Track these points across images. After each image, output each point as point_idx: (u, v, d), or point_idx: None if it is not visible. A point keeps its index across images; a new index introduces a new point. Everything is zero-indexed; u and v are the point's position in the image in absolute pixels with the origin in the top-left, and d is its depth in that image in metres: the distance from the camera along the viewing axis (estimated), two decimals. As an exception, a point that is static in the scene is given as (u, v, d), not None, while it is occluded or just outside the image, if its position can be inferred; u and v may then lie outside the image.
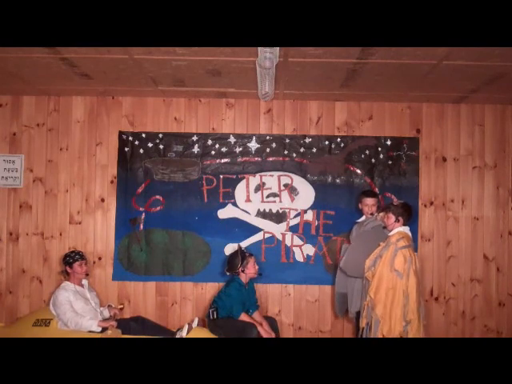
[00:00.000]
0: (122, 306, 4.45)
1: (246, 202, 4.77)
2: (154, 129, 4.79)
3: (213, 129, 4.80)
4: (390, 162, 4.75)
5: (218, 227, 4.73)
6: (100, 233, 4.77)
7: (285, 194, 4.77)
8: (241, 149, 4.79)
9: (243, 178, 4.78)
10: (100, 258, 4.75)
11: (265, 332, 4.05)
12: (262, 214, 4.77)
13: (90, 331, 3.89)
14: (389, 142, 4.76)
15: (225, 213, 4.76)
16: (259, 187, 4.78)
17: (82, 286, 4.19)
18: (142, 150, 4.77)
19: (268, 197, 4.78)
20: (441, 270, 4.74)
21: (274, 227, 4.77)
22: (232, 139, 4.79)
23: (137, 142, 4.77)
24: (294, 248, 4.75)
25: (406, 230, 3.77)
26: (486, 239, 4.74)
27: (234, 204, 4.76)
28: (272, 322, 4.34)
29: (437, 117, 4.78)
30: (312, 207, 4.76)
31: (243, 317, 4.11)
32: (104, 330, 3.88)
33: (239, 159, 4.79)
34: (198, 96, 4.73)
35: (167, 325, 4.60)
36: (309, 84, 4.20)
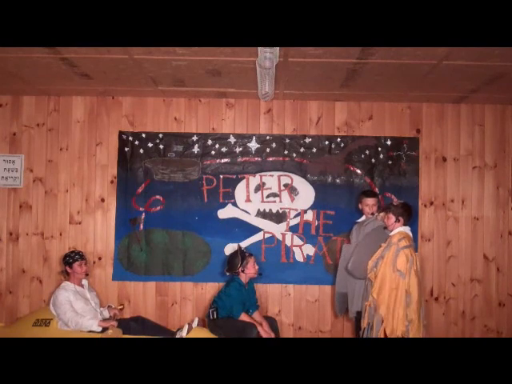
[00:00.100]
0: (121, 307, 4.45)
1: (246, 202, 4.77)
2: (154, 129, 4.79)
3: (213, 129, 4.81)
4: (390, 162, 4.75)
5: (217, 227, 4.73)
6: (100, 233, 4.77)
7: (285, 194, 4.77)
8: (241, 149, 4.79)
9: (243, 177, 4.78)
10: (100, 258, 4.75)
11: (264, 332, 4.05)
12: (262, 214, 4.77)
13: (91, 331, 3.89)
14: (389, 142, 4.76)
15: (225, 213, 4.76)
16: (259, 187, 4.78)
17: (82, 286, 4.19)
18: (141, 150, 4.77)
19: (268, 197, 4.78)
20: (441, 270, 4.74)
21: (274, 227, 4.77)
22: (232, 139, 4.79)
23: (137, 142, 4.77)
24: (293, 248, 4.75)
25: (407, 230, 3.77)
26: (485, 239, 4.74)
27: (234, 204, 4.76)
28: (272, 322, 4.34)
29: (437, 117, 4.78)
30: (312, 207, 4.76)
31: (243, 317, 4.10)
32: (104, 329, 3.89)
33: (239, 159, 4.79)
34: (198, 96, 4.73)
35: (167, 325, 4.60)
36: (309, 84, 4.20)
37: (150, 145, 4.77)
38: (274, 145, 4.78)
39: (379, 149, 4.75)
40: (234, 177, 4.78)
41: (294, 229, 4.76)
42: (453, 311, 4.73)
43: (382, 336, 3.54)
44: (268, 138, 4.78)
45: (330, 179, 4.76)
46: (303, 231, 4.76)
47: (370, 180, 4.75)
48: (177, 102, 4.80)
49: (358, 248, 3.95)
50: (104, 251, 4.76)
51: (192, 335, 3.80)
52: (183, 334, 3.80)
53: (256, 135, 4.79)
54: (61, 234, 4.75)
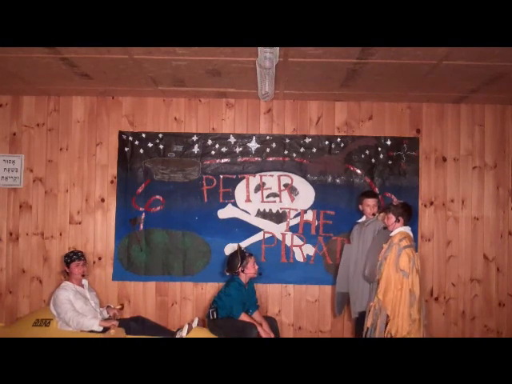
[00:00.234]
0: (120, 307, 4.45)
1: (246, 202, 4.77)
2: (154, 129, 4.79)
3: (213, 129, 4.80)
4: (389, 162, 4.75)
5: (218, 227, 4.73)
6: (100, 233, 4.77)
7: (285, 194, 4.77)
8: (241, 149, 4.79)
9: (243, 177, 4.78)
10: (100, 258, 4.75)
11: (264, 332, 4.05)
12: (262, 214, 4.77)
13: (92, 331, 3.89)
14: (389, 142, 4.75)
15: (225, 213, 4.76)
16: (259, 187, 4.78)
17: (82, 285, 4.20)
18: (142, 150, 4.77)
19: (268, 197, 4.78)
20: (441, 270, 4.74)
21: (274, 227, 4.77)
22: (232, 139, 4.79)
23: (137, 142, 4.77)
24: (294, 248, 4.75)
25: (407, 229, 3.78)
26: (486, 239, 4.74)
27: (234, 204, 4.76)
28: (272, 322, 4.34)
29: (437, 117, 4.78)
30: (312, 207, 4.75)
31: (243, 317, 4.10)
32: (105, 329, 3.89)
33: (239, 159, 4.79)
34: (198, 96, 4.73)
35: (167, 325, 4.60)
36: (309, 84, 4.20)
37: (150, 145, 4.77)
38: (273, 145, 4.78)
39: (379, 149, 4.75)
40: (234, 177, 4.78)
41: (293, 229, 4.76)
42: (453, 311, 4.73)
43: (388, 336, 3.54)
44: (268, 137, 4.78)
45: (330, 179, 4.76)
46: (303, 231, 4.76)
47: (370, 180, 4.75)
48: (177, 102, 4.80)
49: (370, 253, 3.93)
50: (104, 251, 4.76)
51: (192, 335, 3.80)
52: (183, 334, 3.80)
53: (256, 135, 4.79)
54: (61, 234, 4.75)
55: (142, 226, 4.75)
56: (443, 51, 3.25)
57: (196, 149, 4.78)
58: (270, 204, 4.77)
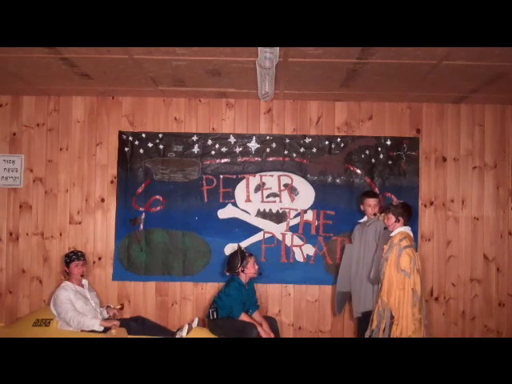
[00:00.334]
0: (120, 307, 4.44)
1: (246, 202, 4.77)
2: (154, 129, 4.79)
3: (213, 129, 4.80)
4: (390, 162, 4.74)
5: (218, 227, 4.72)
6: (100, 233, 4.77)
7: (285, 194, 4.77)
8: (241, 149, 4.79)
9: (243, 177, 4.78)
10: (100, 258, 4.75)
11: (264, 333, 4.05)
12: (262, 214, 4.77)
13: (93, 330, 3.89)
14: (389, 142, 4.75)
15: (225, 213, 4.76)
16: (259, 187, 4.78)
17: (82, 285, 4.20)
18: (142, 150, 4.77)
19: (268, 197, 4.78)
20: (441, 270, 4.74)
21: (274, 227, 4.77)
22: (232, 139, 4.79)
23: (137, 142, 4.77)
24: (294, 248, 4.75)
25: (408, 229, 3.78)
26: (485, 239, 4.74)
27: (234, 204, 4.76)
28: (272, 322, 4.34)
29: (437, 117, 4.78)
30: (312, 207, 4.75)
31: (243, 317, 4.10)
32: (106, 329, 3.89)
33: (239, 159, 4.79)
34: (198, 96, 4.73)
35: (167, 325, 4.60)
36: (309, 84, 4.20)
37: (150, 145, 4.77)
38: (274, 145, 4.78)
39: (379, 149, 4.75)
40: (234, 177, 4.78)
41: (293, 229, 4.76)
42: (453, 311, 4.73)
43: (394, 337, 3.54)
44: (268, 137, 4.78)
45: (330, 179, 4.76)
46: (303, 231, 4.75)
47: (370, 180, 4.75)
48: (177, 102, 4.80)
49: (376, 256, 3.93)
50: (104, 251, 4.76)
51: (192, 335, 3.80)
52: (183, 334, 3.80)
53: (256, 135, 4.79)
54: (61, 234, 4.75)
55: (141, 226, 4.74)
56: (443, 51, 3.25)
57: (196, 149, 4.78)
58: (270, 204, 4.77)
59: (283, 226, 4.76)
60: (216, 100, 4.79)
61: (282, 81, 4.07)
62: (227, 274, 4.31)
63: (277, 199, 4.77)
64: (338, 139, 4.77)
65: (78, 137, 4.79)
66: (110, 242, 4.75)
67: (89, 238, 4.76)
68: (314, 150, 4.77)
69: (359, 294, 4.11)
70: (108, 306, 4.34)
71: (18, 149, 4.78)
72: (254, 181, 4.78)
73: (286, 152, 4.78)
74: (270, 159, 4.79)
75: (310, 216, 4.75)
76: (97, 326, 3.90)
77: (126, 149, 4.77)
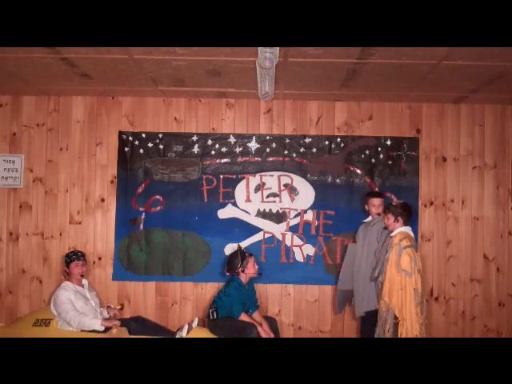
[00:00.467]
0: (120, 307, 4.45)
1: (246, 202, 4.77)
2: (154, 129, 4.79)
3: (213, 129, 4.80)
4: (390, 162, 4.74)
5: (218, 227, 4.73)
6: (100, 233, 4.77)
7: (285, 194, 4.77)
8: (241, 149, 4.79)
9: (243, 177, 4.78)
10: (100, 258, 4.75)
11: (264, 333, 4.05)
12: (262, 214, 4.77)
13: (93, 330, 3.89)
14: (389, 142, 4.75)
15: (225, 213, 4.76)
16: (259, 187, 4.78)
17: (82, 285, 4.20)
18: (142, 150, 4.77)
19: (268, 197, 4.78)
20: (441, 270, 4.74)
21: (274, 227, 4.77)
22: (232, 139, 4.79)
23: (137, 142, 4.77)
24: (294, 248, 4.75)
25: (408, 230, 3.77)
26: (486, 239, 4.74)
27: (234, 204, 4.76)
28: (272, 322, 4.34)
29: (437, 117, 4.78)
30: (312, 207, 4.75)
31: (243, 317, 4.10)
32: (107, 329, 3.89)
33: (239, 159, 4.79)
34: (198, 96, 4.73)
35: (167, 325, 4.60)
36: (309, 84, 4.20)
37: (150, 145, 4.77)
38: (274, 145, 4.78)
39: (379, 149, 4.75)
40: (234, 177, 4.78)
41: (294, 229, 4.76)
42: (453, 311, 4.73)
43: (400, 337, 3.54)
44: (268, 137, 4.78)
45: (330, 179, 4.76)
46: (303, 231, 4.75)
47: (370, 180, 4.75)
48: (177, 101, 4.80)
49: (380, 257, 3.93)
50: (104, 251, 4.76)
51: (192, 335, 3.80)
52: (183, 333, 3.80)
53: (256, 135, 4.79)
54: (61, 234, 4.75)
55: (142, 226, 4.75)
56: (443, 51, 3.25)
57: (196, 149, 4.78)
58: (270, 204, 4.77)
59: (283, 225, 4.76)
60: (216, 100, 4.79)
61: (282, 81, 4.07)
62: (227, 273, 4.31)
63: (277, 199, 4.77)
64: (338, 139, 4.77)
65: (78, 137, 4.79)
66: (109, 242, 4.75)
67: (89, 237, 4.76)
68: (314, 149, 4.77)
69: (362, 294, 4.10)
70: (109, 307, 4.34)
71: (18, 149, 4.78)
72: (254, 181, 4.78)
73: (285, 152, 4.78)
74: (270, 159, 4.79)
75: (310, 216, 4.75)
76: (98, 325, 3.90)
77: (126, 149, 4.78)
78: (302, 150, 4.77)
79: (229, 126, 4.81)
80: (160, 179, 4.76)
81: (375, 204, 4.21)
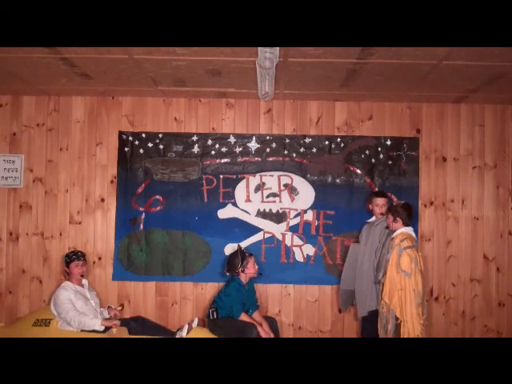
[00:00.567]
0: (120, 308, 4.44)
1: (246, 202, 4.77)
2: (154, 129, 4.79)
3: (213, 129, 4.81)
4: (389, 162, 4.74)
5: (218, 227, 4.73)
6: (100, 233, 4.77)
7: (285, 194, 4.77)
8: (241, 149, 4.79)
9: (243, 177, 4.78)
10: (100, 258, 4.75)
11: (264, 333, 4.05)
12: (262, 214, 4.77)
13: (94, 330, 3.89)
14: (389, 142, 4.75)
15: (225, 213, 4.76)
16: (259, 187, 4.78)
17: (82, 285, 4.20)
18: (142, 150, 4.77)
19: (268, 197, 4.78)
20: (441, 270, 4.74)
21: (274, 227, 4.77)
22: (232, 139, 4.79)
23: (137, 142, 4.77)
24: (293, 248, 4.75)
25: (409, 230, 3.77)
26: (486, 239, 4.74)
27: (234, 204, 4.76)
28: (272, 322, 4.34)
29: (437, 117, 4.78)
30: (312, 207, 4.75)
31: (243, 317, 4.10)
32: (107, 329, 3.89)
33: (239, 159, 4.79)
34: (198, 96, 4.73)
35: (167, 325, 4.60)
36: (309, 84, 4.20)
37: (150, 145, 4.77)
38: (273, 145, 4.78)
39: (379, 149, 4.75)
40: (234, 177, 4.78)
41: (294, 229, 4.76)
42: (453, 311, 4.73)
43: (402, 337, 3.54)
44: (268, 137, 4.78)
45: (330, 179, 4.76)
46: (303, 231, 4.75)
47: (370, 180, 4.75)
48: (177, 102, 4.80)
49: (383, 258, 3.93)
50: (104, 251, 4.76)
51: (192, 335, 3.80)
52: (183, 334, 3.80)
53: (256, 135, 4.79)
54: (61, 234, 4.75)
55: (141, 226, 4.75)
56: (443, 51, 3.25)
57: (196, 149, 4.78)
58: (270, 204, 4.77)
59: (283, 225, 4.76)
60: (216, 100, 4.79)
61: (282, 81, 4.07)
62: (227, 274, 4.30)
63: (277, 199, 4.77)
64: (338, 139, 4.77)
65: (78, 137, 4.79)
66: (109, 242, 4.75)
67: (89, 237, 4.76)
68: (314, 149, 4.77)
69: (365, 294, 4.09)
70: (109, 307, 4.34)
71: (18, 149, 4.78)
72: (254, 181, 4.78)
73: (286, 152, 4.78)
74: (270, 159, 4.79)
75: (309, 216, 4.75)
76: (98, 325, 3.90)
77: (126, 149, 4.78)
78: (302, 149, 4.77)
79: (229, 126, 4.81)
80: (160, 179, 4.76)
81: (379, 204, 4.20)
